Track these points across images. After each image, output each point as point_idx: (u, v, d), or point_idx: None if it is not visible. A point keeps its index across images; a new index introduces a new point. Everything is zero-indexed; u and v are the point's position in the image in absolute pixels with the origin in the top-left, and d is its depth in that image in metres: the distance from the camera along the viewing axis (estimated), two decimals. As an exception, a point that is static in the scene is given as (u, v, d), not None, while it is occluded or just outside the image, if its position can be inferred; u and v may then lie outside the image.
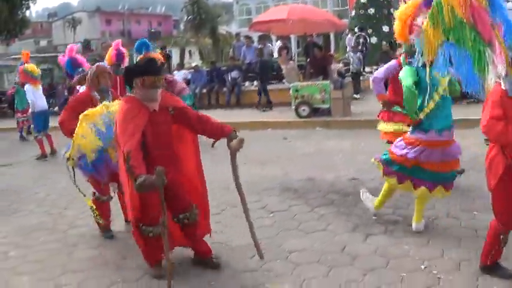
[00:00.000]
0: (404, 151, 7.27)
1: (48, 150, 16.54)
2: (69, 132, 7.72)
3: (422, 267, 6.40)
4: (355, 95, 23.19)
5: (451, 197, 7.93)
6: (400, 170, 7.39)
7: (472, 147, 11.44)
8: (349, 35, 28.90)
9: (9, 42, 50.95)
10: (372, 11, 34.91)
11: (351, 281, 6.17)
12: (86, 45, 76.55)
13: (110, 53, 15.76)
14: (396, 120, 9.44)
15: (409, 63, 7.62)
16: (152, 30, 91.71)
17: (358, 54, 25.14)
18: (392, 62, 9.25)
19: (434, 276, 6.10)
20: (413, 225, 7.49)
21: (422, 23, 5.70)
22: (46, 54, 54.49)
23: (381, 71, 9.49)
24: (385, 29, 33.20)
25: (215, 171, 10.04)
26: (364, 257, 6.79)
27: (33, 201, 11.06)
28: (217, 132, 6.55)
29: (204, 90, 25.58)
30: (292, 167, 12.40)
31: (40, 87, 16.67)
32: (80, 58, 15.62)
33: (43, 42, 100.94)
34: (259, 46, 26.74)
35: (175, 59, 42.45)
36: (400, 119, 9.24)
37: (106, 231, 8.48)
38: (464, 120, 13.24)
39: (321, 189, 10.13)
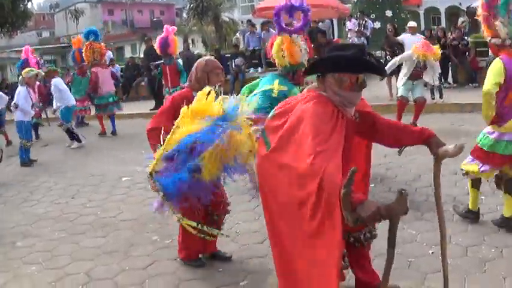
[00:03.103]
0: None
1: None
2: (158, 140, 5.92)
3: (430, 252, 6.41)
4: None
5: (456, 180, 7.89)
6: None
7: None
8: (349, 21, 28.76)
9: (11, 34, 50.84)
10: (375, -5, 34.79)
11: (360, 265, 6.15)
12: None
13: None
14: None
15: None
16: (154, 19, 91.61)
17: (363, 39, 25.08)
18: None
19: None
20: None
21: None
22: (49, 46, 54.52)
23: None
24: (388, 13, 33.08)
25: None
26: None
27: (41, 191, 11.05)
28: (416, 137, 4.88)
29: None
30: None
31: None
32: (33, 60, 15.94)
33: (45, 34, 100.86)
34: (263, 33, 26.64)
35: (179, 48, 42.35)
36: None
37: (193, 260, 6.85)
38: None
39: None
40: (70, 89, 17.57)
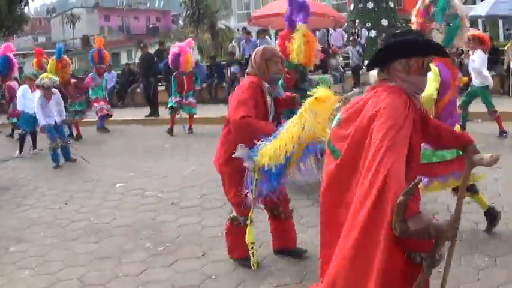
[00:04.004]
0: None
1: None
2: (261, 124, 5.78)
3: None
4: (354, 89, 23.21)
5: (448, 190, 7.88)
6: None
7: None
8: (334, 31, 28.84)
9: (8, 39, 50.87)
10: (370, 4, 34.88)
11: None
12: (85, 41, 76.66)
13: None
14: None
15: None
16: (151, 26, 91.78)
17: (358, 47, 25.16)
18: None
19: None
20: None
21: None
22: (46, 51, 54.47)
23: None
24: (384, 22, 33.21)
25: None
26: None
27: (34, 196, 11.02)
28: (455, 139, 4.80)
29: (204, 85, 25.55)
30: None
31: None
32: (14, 59, 15.93)
33: (41, 39, 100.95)
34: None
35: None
36: None
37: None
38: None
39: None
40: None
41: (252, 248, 6.19)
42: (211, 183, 10.29)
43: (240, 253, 6.57)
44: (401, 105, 4.05)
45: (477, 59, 12.45)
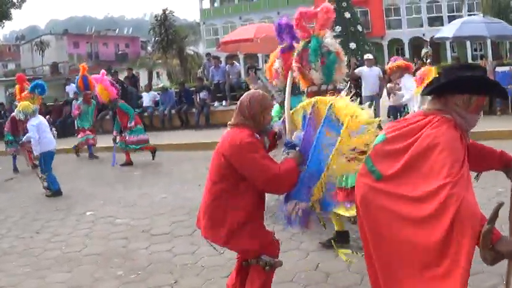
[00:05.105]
0: None
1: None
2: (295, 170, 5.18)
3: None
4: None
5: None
6: None
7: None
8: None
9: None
10: (338, 28, 35.13)
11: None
12: (54, 69, 76.34)
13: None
14: None
15: None
16: (120, 52, 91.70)
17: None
18: None
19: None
20: None
21: None
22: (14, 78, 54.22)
23: None
24: (352, 46, 33.48)
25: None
26: (338, 273, 6.86)
27: (6, 225, 11.02)
28: (496, 159, 4.80)
29: (173, 111, 25.61)
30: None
31: None
32: None
33: (11, 65, 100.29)
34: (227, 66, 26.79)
35: (143, 81, 42.44)
36: None
37: None
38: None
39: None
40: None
41: None
42: (181, 210, 10.39)
43: None
44: (459, 140, 3.99)
45: (408, 82, 12.58)
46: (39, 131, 13.40)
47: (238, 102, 5.45)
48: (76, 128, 19.67)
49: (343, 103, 4.93)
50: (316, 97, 5.53)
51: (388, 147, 4.24)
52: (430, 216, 3.74)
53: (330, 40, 7.10)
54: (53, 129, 14.01)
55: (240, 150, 5.10)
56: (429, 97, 4.40)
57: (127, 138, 17.07)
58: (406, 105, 13.14)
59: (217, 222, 5.22)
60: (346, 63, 7.31)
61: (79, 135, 19.89)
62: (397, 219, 3.97)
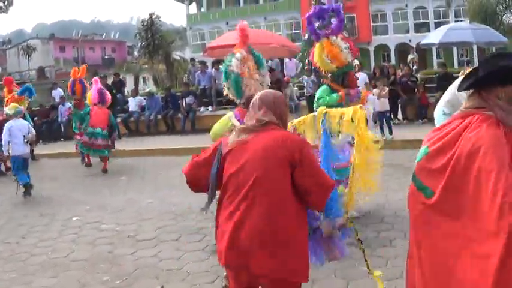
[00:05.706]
0: None
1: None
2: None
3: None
4: None
5: (406, 217, 7.97)
6: None
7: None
8: (289, 60, 29.21)
9: (-38, 71, 50.62)
10: (325, 34, 35.25)
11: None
12: (41, 73, 76.09)
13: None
14: None
15: None
16: (106, 57, 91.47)
17: (313, 77, 25.43)
18: None
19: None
20: None
21: None
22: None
23: None
24: (338, 52, 33.62)
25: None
26: (323, 280, 6.86)
27: (-10, 231, 10.97)
28: None
29: (159, 116, 25.60)
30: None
31: None
32: None
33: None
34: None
35: (129, 85, 42.39)
36: None
37: None
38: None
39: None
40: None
41: None
42: (167, 215, 10.42)
43: None
44: (502, 140, 3.56)
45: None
46: (11, 135, 13.76)
47: (259, 100, 4.64)
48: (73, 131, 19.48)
49: (334, 111, 5.12)
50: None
51: (431, 160, 3.87)
52: (494, 238, 3.36)
53: (234, 62, 7.38)
54: (29, 135, 13.86)
55: (302, 148, 4.43)
56: (464, 94, 4.13)
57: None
58: (391, 110, 13.30)
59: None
60: None
61: (76, 138, 19.61)
62: (449, 239, 3.68)
